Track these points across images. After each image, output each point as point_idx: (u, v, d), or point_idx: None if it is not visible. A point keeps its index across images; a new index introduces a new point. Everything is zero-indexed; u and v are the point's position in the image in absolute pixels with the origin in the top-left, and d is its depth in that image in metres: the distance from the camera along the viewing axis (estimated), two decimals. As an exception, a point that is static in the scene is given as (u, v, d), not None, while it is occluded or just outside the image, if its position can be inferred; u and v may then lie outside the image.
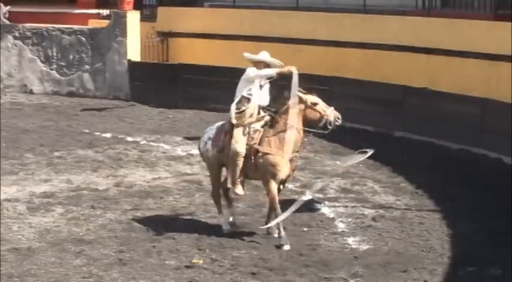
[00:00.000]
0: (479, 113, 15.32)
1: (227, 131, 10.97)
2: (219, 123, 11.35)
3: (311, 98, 10.87)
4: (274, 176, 10.75)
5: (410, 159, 14.67)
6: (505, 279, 9.51)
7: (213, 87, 19.24)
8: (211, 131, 11.26)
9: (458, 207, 12.00)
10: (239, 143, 10.80)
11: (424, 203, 12.50)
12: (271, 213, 10.98)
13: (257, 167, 10.81)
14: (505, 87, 15.25)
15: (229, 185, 11.03)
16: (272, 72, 11.04)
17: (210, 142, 11.13)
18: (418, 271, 9.80)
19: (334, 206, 12.25)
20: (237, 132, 10.88)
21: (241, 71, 11.27)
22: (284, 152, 10.71)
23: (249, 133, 10.89)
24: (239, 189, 10.92)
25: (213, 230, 11.14)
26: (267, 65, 11.14)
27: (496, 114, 15.02)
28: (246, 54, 11.34)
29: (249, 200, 12.43)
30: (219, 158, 11.03)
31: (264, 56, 11.24)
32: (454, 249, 10.49)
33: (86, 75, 21.84)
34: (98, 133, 17.26)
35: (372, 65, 17.68)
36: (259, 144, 10.80)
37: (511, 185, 12.84)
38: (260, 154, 10.78)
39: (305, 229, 11.31)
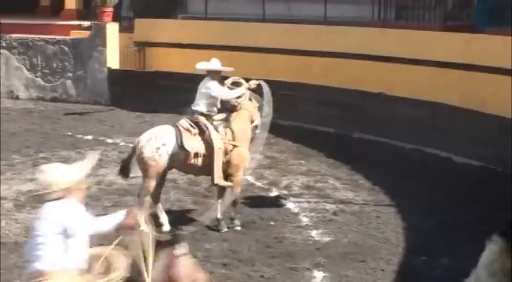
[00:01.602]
0: (430, 116, 15.40)
1: (196, 133, 10.88)
2: (159, 130, 11.11)
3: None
4: (244, 167, 10.86)
5: (367, 159, 14.71)
6: (453, 268, 9.57)
7: (186, 93, 19.14)
8: (161, 138, 10.92)
9: (411, 202, 12.07)
10: (218, 140, 10.81)
11: (381, 198, 12.55)
12: (236, 205, 11.00)
13: (230, 161, 10.83)
14: (454, 92, 15.35)
15: (216, 182, 10.95)
16: (243, 91, 11.06)
17: (164, 148, 10.85)
18: (375, 261, 9.84)
19: (299, 202, 12.27)
20: (213, 131, 10.87)
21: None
22: (249, 145, 10.87)
23: (217, 130, 10.92)
24: (227, 182, 10.91)
25: (187, 224, 11.13)
26: (219, 73, 11.09)
27: (445, 116, 15.12)
28: (198, 65, 11.29)
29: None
30: (170, 163, 10.87)
31: (216, 65, 11.19)
32: (407, 241, 10.55)
33: (69, 82, 21.72)
34: (79, 135, 17.17)
35: (332, 71, 17.71)
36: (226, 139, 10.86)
37: (460, 182, 12.93)
38: (232, 148, 10.82)
39: (272, 223, 11.32)
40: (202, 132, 10.95)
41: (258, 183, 12.73)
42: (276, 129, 14.59)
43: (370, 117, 16.41)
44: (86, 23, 22.68)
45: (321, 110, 17.01)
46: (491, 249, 6.63)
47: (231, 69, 11.46)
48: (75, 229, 6.21)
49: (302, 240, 10.63)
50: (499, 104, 14.16)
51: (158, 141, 10.94)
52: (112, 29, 21.31)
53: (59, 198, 6.29)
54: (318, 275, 9.55)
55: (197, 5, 21.52)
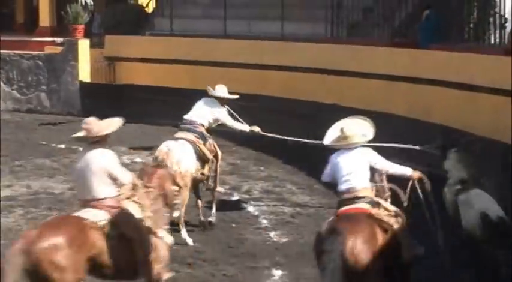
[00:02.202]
0: (378, 124, 15.44)
1: (202, 143, 10.81)
2: (180, 143, 10.72)
3: None
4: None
5: (322, 165, 14.71)
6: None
7: (153, 104, 19.16)
8: (188, 151, 10.65)
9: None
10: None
11: (334, 201, 12.51)
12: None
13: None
14: (400, 102, 15.45)
15: (218, 187, 11.20)
16: (247, 130, 11.32)
17: (193, 160, 10.65)
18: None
19: (258, 205, 12.27)
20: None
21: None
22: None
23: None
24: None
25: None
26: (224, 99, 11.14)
27: (392, 126, 15.20)
28: (209, 88, 11.21)
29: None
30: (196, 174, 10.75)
31: (223, 92, 11.18)
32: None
33: (43, 95, 21.55)
34: (53, 144, 17.03)
35: (289, 84, 17.76)
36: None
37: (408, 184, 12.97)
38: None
39: (233, 225, 11.30)
40: (205, 142, 10.86)
41: (221, 189, 12.68)
42: (237, 137, 14.62)
43: (324, 126, 16.41)
44: (59, 39, 22.54)
45: (279, 120, 17.02)
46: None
47: (236, 96, 11.48)
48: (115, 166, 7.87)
49: (262, 241, 10.62)
50: (442, 114, 14.28)
51: (188, 154, 10.67)
52: (83, 45, 21.20)
53: (99, 142, 7.90)
54: (277, 273, 9.54)
55: (163, 23, 21.46)
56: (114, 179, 7.65)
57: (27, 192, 13.05)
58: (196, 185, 10.99)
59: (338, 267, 7.08)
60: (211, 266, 9.66)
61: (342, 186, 7.90)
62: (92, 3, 24.21)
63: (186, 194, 10.44)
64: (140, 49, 20.88)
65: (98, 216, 7.35)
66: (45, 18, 24.80)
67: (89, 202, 7.46)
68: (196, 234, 10.76)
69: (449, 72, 14.32)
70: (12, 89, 21.90)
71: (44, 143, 17.24)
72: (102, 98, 20.30)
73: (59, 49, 21.75)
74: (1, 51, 22.12)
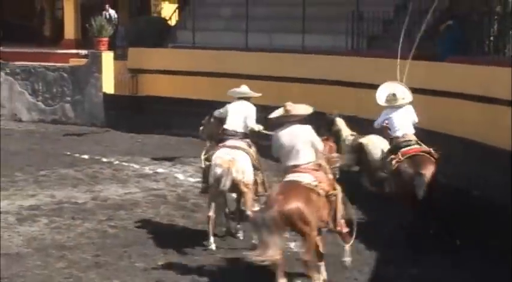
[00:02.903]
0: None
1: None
2: (239, 153, 10.58)
3: None
4: None
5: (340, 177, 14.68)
6: (420, 277, 9.59)
7: (175, 116, 19.23)
8: (247, 160, 10.59)
9: (382, 216, 12.04)
10: None
11: (350, 212, 12.49)
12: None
13: None
14: (419, 115, 15.37)
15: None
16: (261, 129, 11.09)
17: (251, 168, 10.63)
18: (349, 270, 9.80)
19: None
20: None
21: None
22: None
23: None
24: None
25: (176, 237, 11.08)
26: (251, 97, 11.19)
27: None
28: (231, 91, 11.27)
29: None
30: None
31: (245, 89, 11.32)
32: (378, 252, 10.53)
33: (67, 106, 21.71)
34: (77, 154, 17.12)
35: (309, 96, 17.73)
36: None
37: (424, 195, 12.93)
38: None
39: (253, 235, 11.24)
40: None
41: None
42: (258, 149, 14.58)
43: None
44: (84, 52, 22.72)
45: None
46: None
47: (258, 94, 11.57)
48: (316, 139, 8.99)
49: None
50: (461, 126, 14.22)
51: (247, 162, 10.65)
52: (107, 57, 21.34)
53: (298, 121, 9.01)
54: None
55: (186, 35, 21.56)
56: (314, 148, 8.91)
57: (51, 201, 13.13)
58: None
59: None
60: (233, 276, 9.64)
61: (398, 133, 11.21)
62: (116, 16, 24.41)
63: (249, 196, 10.57)
64: (163, 61, 20.99)
65: (308, 179, 8.66)
66: (70, 31, 25.00)
67: (296, 167, 8.72)
68: (217, 244, 10.74)
69: (468, 85, 14.26)
70: (38, 100, 22.08)
71: (68, 153, 17.33)
72: (125, 109, 20.43)
73: (83, 61, 21.91)
74: (27, 63, 22.31)
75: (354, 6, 17.80)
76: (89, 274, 9.62)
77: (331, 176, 9.09)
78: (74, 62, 22.33)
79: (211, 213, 10.58)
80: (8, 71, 22.29)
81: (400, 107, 11.36)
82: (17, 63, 22.36)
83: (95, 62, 21.30)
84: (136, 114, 20.34)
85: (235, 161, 10.44)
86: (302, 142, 8.80)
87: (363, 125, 16.14)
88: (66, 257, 10.21)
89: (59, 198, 13.31)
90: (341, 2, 18.38)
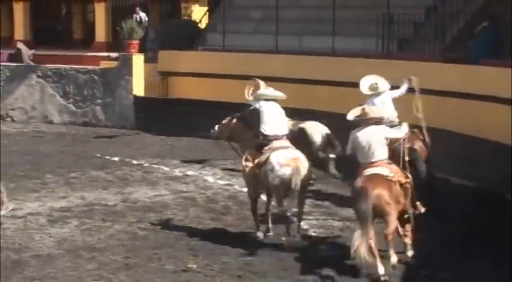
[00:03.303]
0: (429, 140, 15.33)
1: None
2: (295, 152, 10.76)
3: None
4: None
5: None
6: (451, 281, 9.52)
7: (205, 118, 19.20)
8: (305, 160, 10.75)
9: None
10: None
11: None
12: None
13: None
14: (450, 118, 15.29)
15: None
16: None
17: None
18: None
19: (308, 219, 12.21)
20: None
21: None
22: None
23: None
24: None
25: (206, 239, 11.09)
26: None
27: (442, 141, 15.05)
28: (264, 92, 11.30)
29: (236, 214, 12.43)
30: None
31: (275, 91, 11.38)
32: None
33: (98, 108, 21.83)
34: (108, 157, 17.21)
35: (338, 99, 17.70)
36: None
37: (457, 201, 12.85)
38: None
39: (283, 238, 11.24)
40: None
41: (272, 202, 12.65)
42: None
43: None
44: (114, 54, 22.82)
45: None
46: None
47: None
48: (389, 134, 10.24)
49: (311, 255, 10.56)
50: (493, 130, 14.10)
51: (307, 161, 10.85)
52: (138, 60, 21.44)
53: (374, 123, 10.06)
54: (326, 287, 9.50)
55: (216, 38, 21.59)
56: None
57: (82, 203, 13.20)
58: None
59: None
60: (260, 279, 9.64)
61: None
62: (147, 19, 24.50)
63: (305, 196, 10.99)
64: (193, 64, 21.04)
65: (385, 172, 9.77)
66: (101, 34, 25.13)
67: (373, 163, 9.84)
68: (246, 247, 10.75)
69: (501, 88, 14.13)
70: (69, 103, 22.23)
71: (98, 155, 17.42)
72: (155, 111, 20.50)
73: (114, 64, 22.01)
74: (58, 65, 22.47)
75: (384, 8, 17.72)
76: (118, 276, 9.65)
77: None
78: (104, 64, 22.46)
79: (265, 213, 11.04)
80: (39, 74, 22.48)
81: (380, 94, 12.23)
82: (48, 65, 22.54)
83: (126, 65, 21.40)
84: (166, 116, 20.40)
85: (301, 160, 10.54)
86: (377, 142, 9.90)
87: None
88: (96, 259, 10.26)
89: (90, 200, 13.38)
90: (371, 5, 18.31)
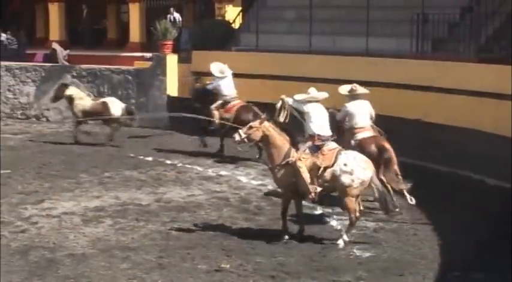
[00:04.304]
0: (464, 141, 15.26)
1: None
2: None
3: None
4: None
5: (406, 179, 14.58)
6: (486, 282, 9.48)
7: (239, 118, 19.22)
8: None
9: (447, 221, 11.93)
10: None
11: (418, 217, 12.43)
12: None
13: None
14: (487, 118, 15.19)
15: None
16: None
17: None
18: (412, 275, 9.74)
19: (341, 219, 12.20)
20: None
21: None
22: None
23: None
24: None
25: (239, 239, 11.12)
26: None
27: (478, 141, 14.96)
28: (314, 95, 11.86)
29: (269, 214, 12.44)
30: None
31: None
32: (443, 257, 10.43)
33: (132, 108, 21.90)
34: (141, 157, 17.30)
35: (374, 100, 17.62)
36: None
37: (491, 202, 12.76)
38: None
39: (316, 239, 11.24)
40: None
41: (304, 202, 12.67)
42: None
43: (408, 142, 16.29)
44: (148, 55, 22.92)
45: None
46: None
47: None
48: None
49: (344, 255, 10.57)
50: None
51: None
52: (172, 60, 21.53)
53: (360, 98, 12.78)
54: (359, 287, 9.49)
55: (249, 38, 21.62)
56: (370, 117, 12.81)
57: (116, 203, 13.29)
58: None
59: None
60: (293, 279, 9.66)
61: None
62: (181, 19, 24.60)
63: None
64: (226, 64, 21.05)
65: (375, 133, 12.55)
66: (135, 34, 25.28)
67: (362, 128, 12.70)
68: (279, 247, 10.77)
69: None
70: (103, 103, 22.32)
71: (132, 155, 17.52)
72: (188, 112, 20.51)
73: (148, 64, 22.12)
74: (93, 66, 22.64)
75: (419, 8, 17.63)
76: (152, 275, 9.71)
77: None
78: (138, 64, 22.57)
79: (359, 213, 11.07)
80: (74, 74, 22.64)
81: (359, 97, 13.06)
82: (83, 66, 22.71)
83: (159, 65, 21.50)
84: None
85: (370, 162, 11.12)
86: (365, 112, 12.78)
87: (428, 131, 16.03)
88: (130, 258, 10.33)
89: (123, 200, 13.46)
90: (405, 5, 18.24)
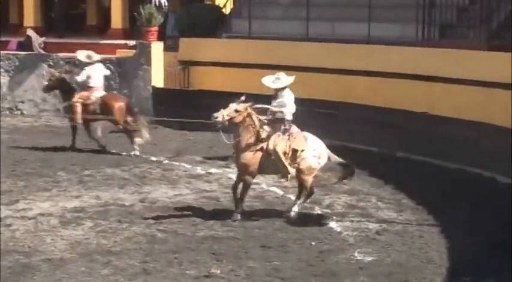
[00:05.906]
0: (475, 135, 15.29)
1: None
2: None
3: None
4: None
5: (410, 178, 14.64)
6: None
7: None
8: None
9: (455, 222, 11.97)
10: None
11: (424, 218, 12.47)
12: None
13: None
14: (498, 111, 15.22)
15: None
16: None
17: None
18: (418, 281, 9.77)
19: (341, 221, 12.23)
20: None
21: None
22: None
23: None
24: None
25: (231, 242, 11.13)
26: None
27: (490, 136, 15.00)
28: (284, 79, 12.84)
29: (262, 215, 12.46)
30: None
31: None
32: (451, 261, 10.46)
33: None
34: (124, 153, 17.28)
35: (375, 91, 17.68)
36: None
37: (503, 201, 12.80)
38: None
39: (312, 243, 11.27)
40: None
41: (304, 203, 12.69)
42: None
43: (413, 137, 16.33)
44: (132, 42, 22.92)
45: (364, 129, 16.97)
46: None
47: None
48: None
49: (344, 260, 10.59)
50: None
51: None
52: (157, 48, 21.51)
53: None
54: (361, 294, 9.52)
55: (241, 24, 21.63)
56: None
57: (97, 203, 13.28)
58: None
59: None
60: (289, 286, 9.68)
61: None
62: (167, 3, 24.59)
63: None
64: (216, 52, 21.09)
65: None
66: (117, 20, 25.28)
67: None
68: (274, 251, 10.79)
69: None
70: (82, 95, 22.29)
71: (114, 151, 17.50)
72: (175, 104, 20.54)
73: (131, 52, 22.11)
74: (71, 54, 22.58)
75: (425, -8, 17.68)
76: (136, 282, 9.73)
77: None
78: (121, 53, 22.57)
79: None
80: (51, 63, 22.59)
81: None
82: (60, 54, 22.66)
83: (144, 53, 21.48)
84: (188, 109, 20.43)
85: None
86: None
87: (435, 124, 16.08)
88: (112, 263, 10.32)
89: (105, 200, 13.46)
90: (411, -12, 18.28)
